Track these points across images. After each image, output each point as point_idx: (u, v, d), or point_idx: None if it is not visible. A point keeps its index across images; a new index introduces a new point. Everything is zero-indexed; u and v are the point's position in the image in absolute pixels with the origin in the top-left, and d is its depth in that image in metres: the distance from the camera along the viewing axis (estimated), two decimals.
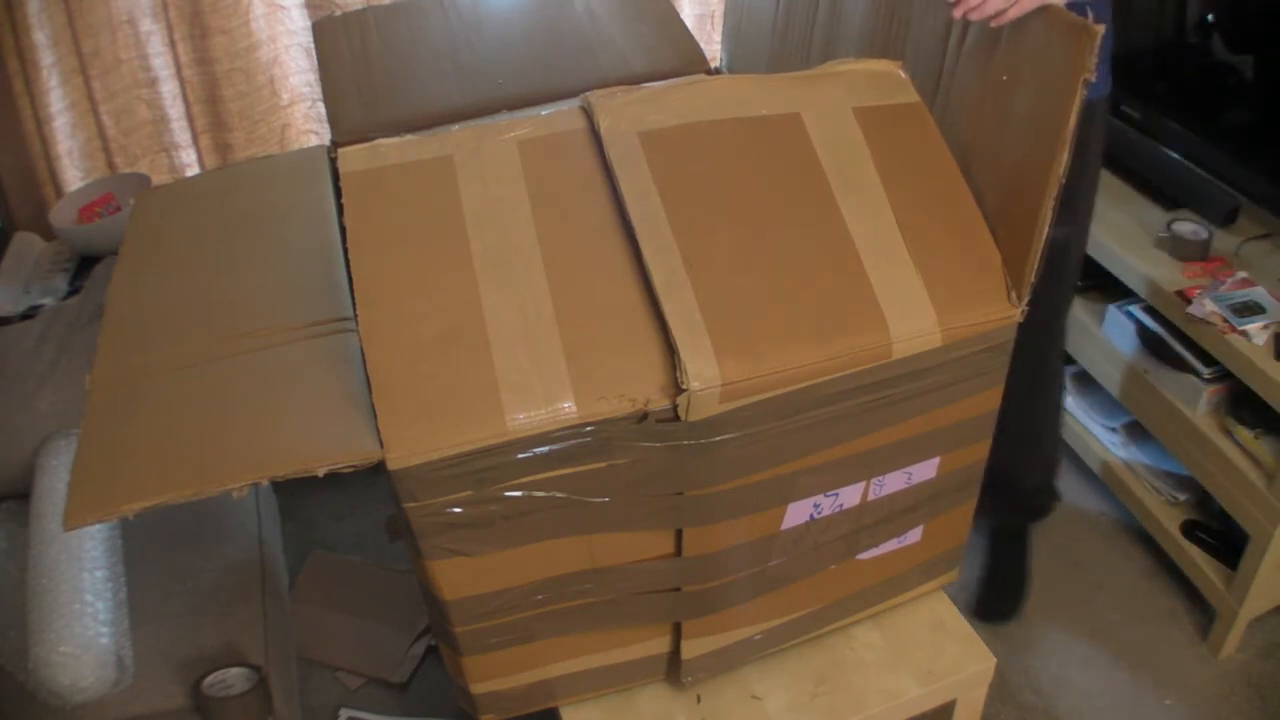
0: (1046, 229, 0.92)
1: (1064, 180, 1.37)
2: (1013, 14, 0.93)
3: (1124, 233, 1.80)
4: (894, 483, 1.04)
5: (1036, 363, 1.57)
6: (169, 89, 2.06)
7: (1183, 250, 1.72)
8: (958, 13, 0.97)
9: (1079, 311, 1.80)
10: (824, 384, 0.90)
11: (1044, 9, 0.92)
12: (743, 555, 1.01)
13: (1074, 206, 1.43)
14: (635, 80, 1.28)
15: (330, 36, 1.38)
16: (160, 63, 2.03)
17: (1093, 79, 0.86)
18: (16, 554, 1.37)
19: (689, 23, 1.97)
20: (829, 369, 0.89)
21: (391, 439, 0.82)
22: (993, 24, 0.96)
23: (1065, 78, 0.87)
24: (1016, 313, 0.95)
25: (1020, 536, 1.87)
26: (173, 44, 2.01)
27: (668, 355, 0.86)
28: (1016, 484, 1.74)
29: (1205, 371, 1.69)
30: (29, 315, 1.79)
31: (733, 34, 1.51)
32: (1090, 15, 0.92)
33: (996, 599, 1.83)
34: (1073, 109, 0.87)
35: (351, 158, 0.95)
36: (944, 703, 1.19)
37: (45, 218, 2.01)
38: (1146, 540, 1.94)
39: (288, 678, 1.51)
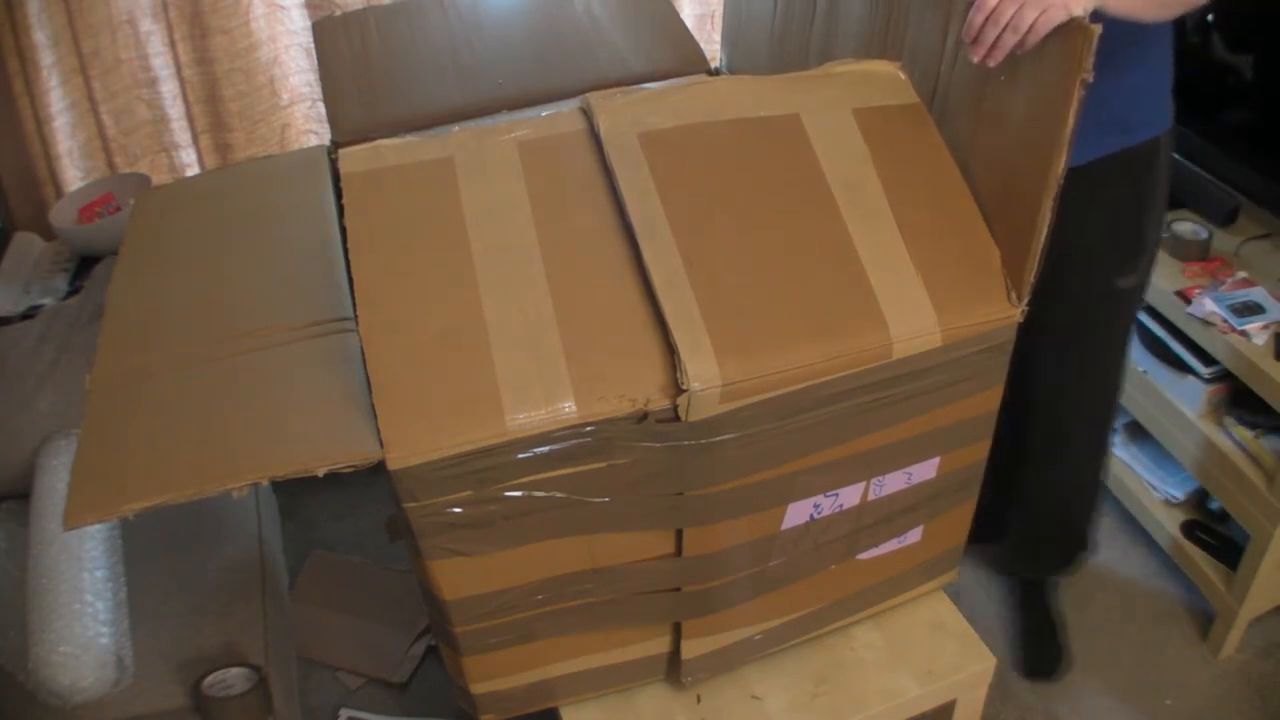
0: (1046, 229, 0.92)
1: (1135, 225, 1.33)
2: (1031, 41, 0.91)
3: None
4: (894, 483, 1.04)
5: (1102, 420, 1.54)
6: (169, 89, 2.06)
7: (1183, 250, 1.72)
8: (977, 58, 0.94)
9: None
10: (824, 384, 0.90)
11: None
12: (743, 555, 1.01)
13: (1141, 255, 1.38)
14: (635, 80, 1.28)
15: (330, 36, 1.38)
16: (160, 63, 2.03)
17: (1089, 79, 0.86)
18: (16, 554, 1.37)
19: (689, 23, 1.97)
20: (829, 369, 0.89)
21: (391, 439, 0.82)
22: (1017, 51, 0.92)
23: (1063, 78, 0.87)
24: (1016, 313, 0.95)
25: (1048, 586, 1.81)
26: (173, 44, 2.01)
27: (668, 355, 0.86)
28: (1055, 537, 1.69)
29: (1205, 371, 1.69)
30: (29, 315, 1.79)
31: (731, 34, 1.51)
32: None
33: (1039, 655, 1.76)
34: (1071, 109, 0.87)
35: (352, 158, 0.95)
36: (944, 703, 1.19)
37: (45, 218, 2.01)
38: (1146, 540, 1.94)
39: (288, 678, 1.51)
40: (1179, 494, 1.86)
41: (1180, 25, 1.23)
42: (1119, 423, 1.95)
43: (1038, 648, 1.78)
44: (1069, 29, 0.88)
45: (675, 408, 0.86)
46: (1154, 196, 1.36)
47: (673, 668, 1.11)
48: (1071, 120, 0.87)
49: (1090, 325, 1.47)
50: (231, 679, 1.32)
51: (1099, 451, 1.62)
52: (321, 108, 2.13)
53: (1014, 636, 1.80)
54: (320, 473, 0.81)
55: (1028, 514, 1.72)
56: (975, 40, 0.93)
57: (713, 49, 2.28)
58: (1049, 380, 1.55)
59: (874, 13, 1.14)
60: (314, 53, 1.56)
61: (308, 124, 2.21)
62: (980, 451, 1.08)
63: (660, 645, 1.08)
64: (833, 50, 1.23)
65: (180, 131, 2.12)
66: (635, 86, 1.01)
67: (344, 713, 1.71)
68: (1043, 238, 0.92)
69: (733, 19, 1.50)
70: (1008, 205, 0.96)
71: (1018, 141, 0.95)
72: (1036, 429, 1.61)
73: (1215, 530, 1.80)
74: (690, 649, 1.07)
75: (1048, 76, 0.90)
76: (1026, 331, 1.49)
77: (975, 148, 1.00)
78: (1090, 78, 0.86)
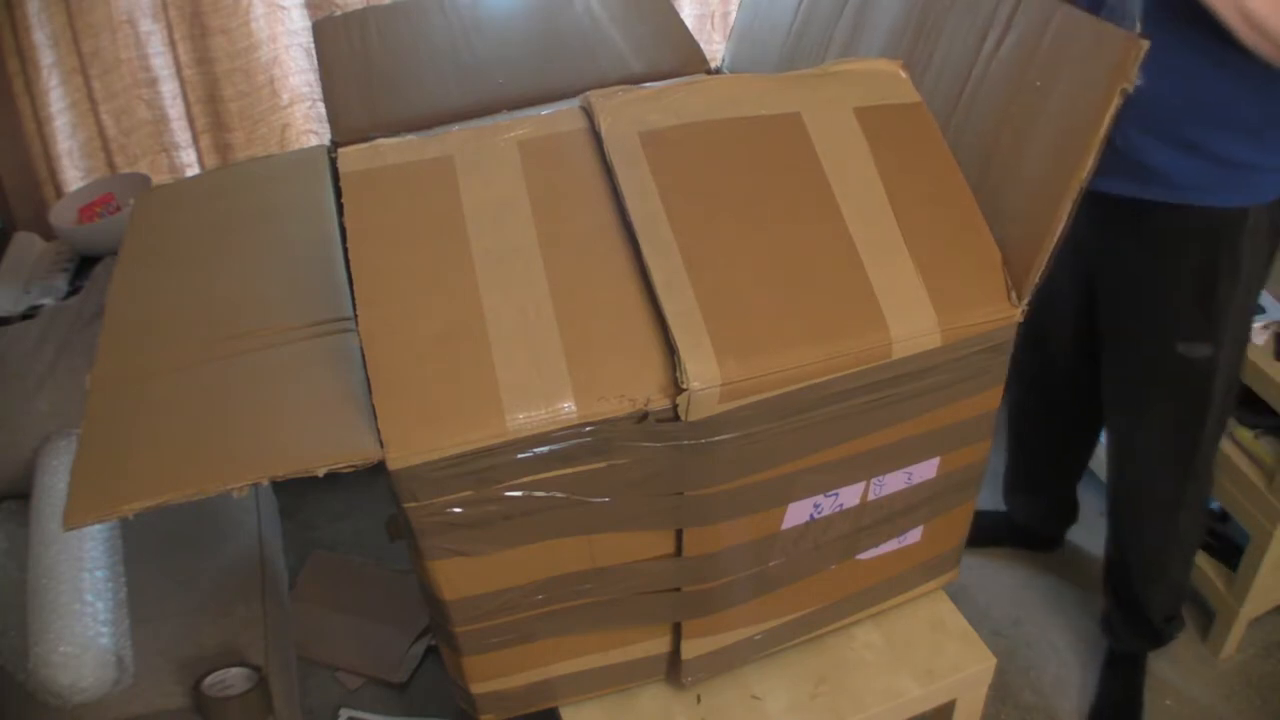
0: (1060, 232, 0.92)
1: (1206, 291, 1.28)
2: None
3: None
4: (894, 483, 1.04)
5: (1170, 499, 1.47)
6: (169, 89, 2.06)
7: None
8: None
9: None
10: (824, 384, 0.90)
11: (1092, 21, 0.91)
12: (743, 555, 1.01)
13: (1218, 323, 1.30)
14: (635, 80, 1.28)
15: (330, 36, 1.38)
16: (160, 63, 2.03)
17: (1130, 89, 0.87)
18: (16, 554, 1.37)
19: (689, 23, 1.97)
20: (829, 369, 0.89)
21: (391, 439, 0.82)
22: None
23: (1106, 85, 0.88)
24: (1017, 313, 0.95)
25: (1137, 662, 1.73)
26: (173, 44, 2.01)
27: (668, 355, 0.86)
28: (1146, 611, 1.63)
29: None
30: (29, 315, 1.79)
31: (742, 35, 1.50)
32: None
33: None
34: (1106, 117, 0.87)
35: (351, 158, 0.95)
36: (944, 703, 1.19)
37: (45, 218, 2.01)
38: None
39: (288, 678, 1.51)
40: None
41: None
42: None
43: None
44: (1118, 38, 0.88)
45: (675, 407, 0.86)
46: (1233, 267, 1.27)
47: (673, 668, 1.11)
48: (1105, 127, 0.88)
49: (1156, 388, 1.39)
50: (231, 679, 1.32)
51: (1170, 535, 1.53)
52: (321, 108, 2.13)
53: (1094, 708, 1.72)
54: (320, 473, 0.81)
55: (1113, 583, 1.67)
56: None
57: (713, 49, 2.28)
58: (1115, 450, 1.50)
59: (907, 16, 1.14)
60: (314, 53, 1.56)
61: (308, 124, 2.21)
62: (981, 451, 1.08)
63: (660, 645, 1.08)
64: (854, 51, 1.22)
65: (180, 131, 2.12)
66: (635, 85, 1.01)
67: (344, 713, 1.71)
68: (1056, 241, 0.92)
69: (748, 13, 1.49)
70: (1026, 207, 0.96)
71: (1045, 146, 0.95)
72: (1111, 497, 1.57)
73: (1215, 530, 1.80)
74: (690, 649, 1.07)
75: (1089, 83, 0.90)
76: (1108, 380, 1.44)
77: (998, 150, 1.00)
78: (1132, 88, 0.87)
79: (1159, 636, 1.68)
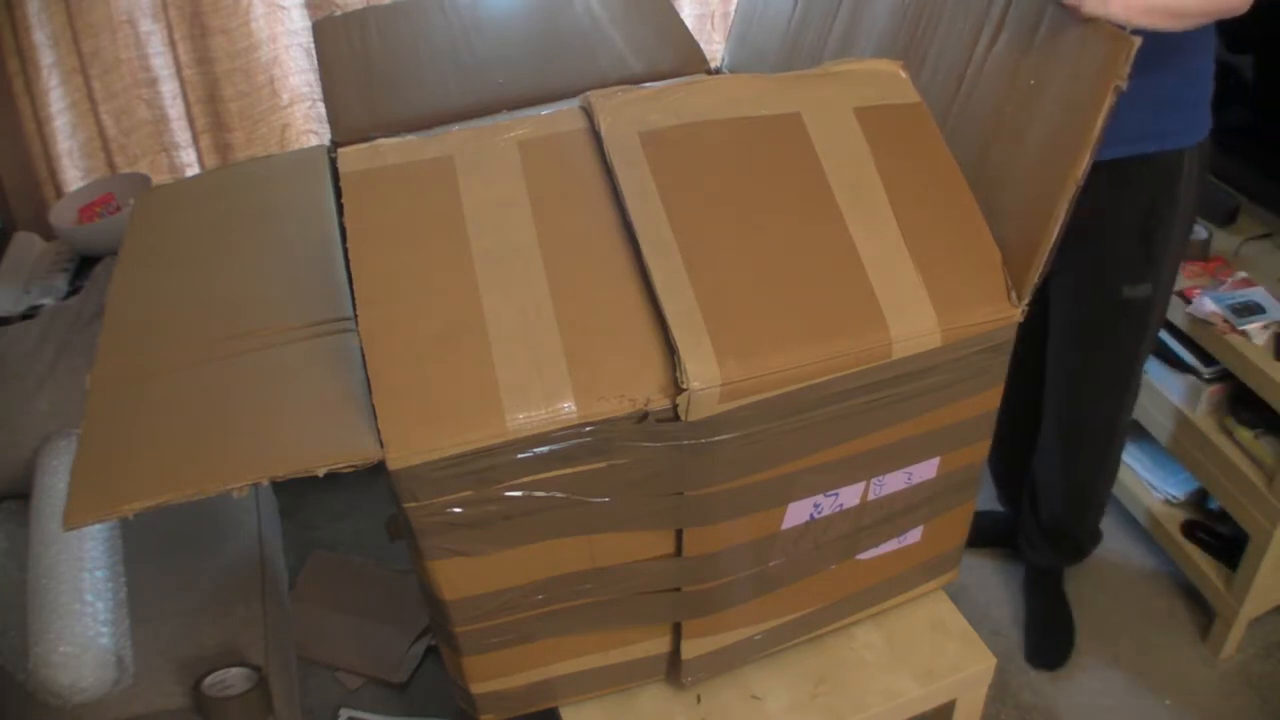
0: (1057, 231, 0.92)
1: (1147, 236, 1.36)
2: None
3: None
4: (894, 483, 1.04)
5: (1109, 421, 1.57)
6: (169, 89, 2.06)
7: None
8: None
9: None
10: (824, 384, 0.90)
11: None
12: (743, 555, 1.01)
13: (1157, 265, 1.38)
14: (635, 80, 1.28)
15: (330, 36, 1.38)
16: (160, 63, 2.03)
17: (1124, 87, 0.87)
18: (16, 554, 1.37)
19: (689, 23, 1.97)
20: (829, 369, 0.89)
21: (392, 439, 0.82)
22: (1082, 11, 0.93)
23: (1098, 84, 0.88)
24: (1017, 313, 0.95)
25: (1058, 576, 1.85)
26: (173, 44, 2.01)
27: (668, 355, 0.86)
28: (1070, 530, 1.73)
29: (1205, 371, 1.69)
30: (29, 315, 1.79)
31: (741, 30, 1.50)
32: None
33: (1046, 645, 1.80)
34: (1101, 115, 0.88)
35: (351, 158, 0.95)
36: (944, 703, 1.19)
37: (45, 218, 2.00)
38: (1146, 540, 1.94)
39: (288, 678, 1.51)
40: (1179, 494, 1.86)
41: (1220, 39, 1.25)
42: None
43: (1045, 636, 1.81)
44: (1111, 37, 0.88)
45: (675, 407, 0.86)
46: (1170, 211, 1.35)
47: (673, 668, 1.11)
48: (1100, 126, 0.88)
49: (1098, 330, 1.47)
50: (231, 679, 1.32)
51: (1105, 456, 1.63)
52: (321, 108, 2.13)
53: (1028, 626, 1.83)
54: (320, 473, 0.81)
55: (1040, 505, 1.75)
56: None
57: (713, 49, 2.28)
58: (1061, 379, 1.57)
59: (901, 16, 1.14)
60: (314, 53, 1.56)
61: (308, 124, 2.21)
62: (980, 451, 1.08)
63: (660, 645, 1.08)
64: (850, 51, 1.22)
65: (180, 131, 2.12)
66: (635, 85, 1.01)
67: (344, 713, 1.71)
68: (1054, 239, 0.92)
69: (745, 14, 1.49)
70: (1022, 206, 0.96)
71: (1040, 144, 0.95)
72: (1049, 425, 1.64)
73: (1215, 530, 1.80)
74: (690, 649, 1.07)
75: (1082, 81, 0.91)
76: (1045, 326, 1.51)
77: (992, 149, 1.00)
78: (1125, 86, 0.87)
79: (1080, 551, 1.78)
